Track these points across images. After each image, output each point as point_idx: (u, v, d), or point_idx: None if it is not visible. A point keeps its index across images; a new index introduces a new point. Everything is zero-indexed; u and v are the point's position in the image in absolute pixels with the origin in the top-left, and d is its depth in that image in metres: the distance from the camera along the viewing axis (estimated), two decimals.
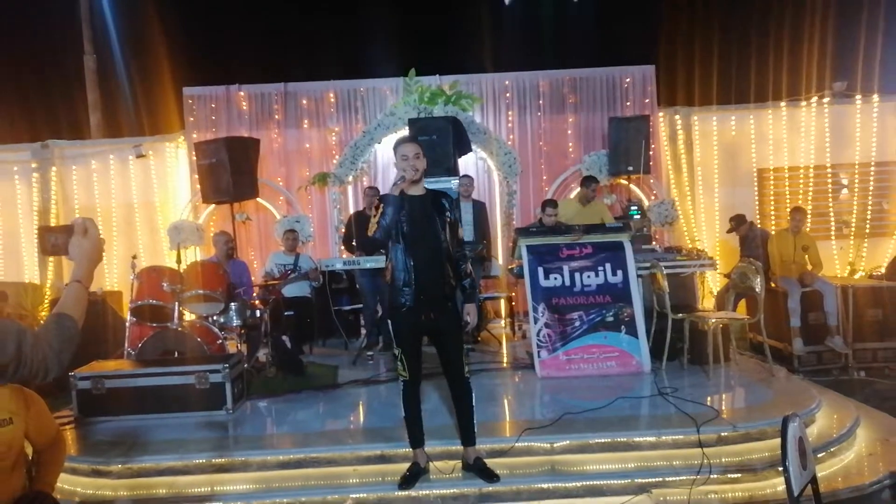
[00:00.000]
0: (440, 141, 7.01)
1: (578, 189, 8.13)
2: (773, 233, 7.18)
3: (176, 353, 5.18)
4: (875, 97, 8.51)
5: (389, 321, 3.67)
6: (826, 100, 8.55)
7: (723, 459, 3.77)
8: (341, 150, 8.15)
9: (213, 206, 8.09)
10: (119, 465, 3.90)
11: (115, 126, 9.06)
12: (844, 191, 8.61)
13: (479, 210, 6.81)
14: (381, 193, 3.55)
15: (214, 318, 5.53)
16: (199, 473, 3.86)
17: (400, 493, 3.62)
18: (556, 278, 5.54)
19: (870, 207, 8.55)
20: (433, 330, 3.59)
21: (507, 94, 8.44)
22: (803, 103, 8.58)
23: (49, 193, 8.27)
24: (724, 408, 4.34)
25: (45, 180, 8.28)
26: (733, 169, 8.60)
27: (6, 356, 1.76)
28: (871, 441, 4.34)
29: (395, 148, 3.53)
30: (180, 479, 3.85)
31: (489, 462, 3.71)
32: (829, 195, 8.58)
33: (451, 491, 3.63)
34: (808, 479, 2.40)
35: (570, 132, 8.47)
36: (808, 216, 7.19)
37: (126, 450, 4.04)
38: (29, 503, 2.59)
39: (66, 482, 3.86)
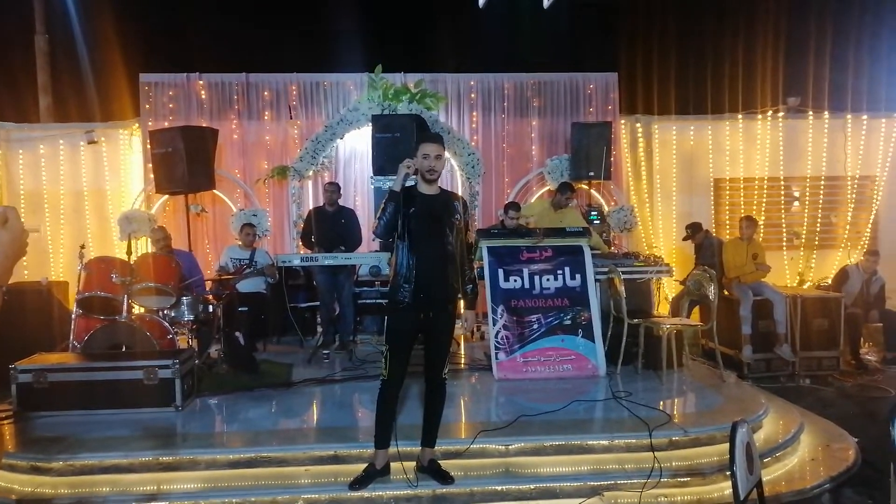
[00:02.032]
0: (403, 139, 6.95)
1: (547, 190, 8.21)
2: (726, 241, 7.35)
3: (124, 348, 5.02)
4: (826, 114, 8.82)
5: (386, 317, 3.62)
6: (781, 114, 8.82)
7: (673, 463, 3.84)
8: (302, 144, 8.02)
9: (167, 196, 7.86)
10: (60, 462, 3.76)
11: (66, 110, 8.70)
12: (796, 203, 8.90)
13: None
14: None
15: (165, 312, 5.37)
16: (145, 472, 3.75)
17: (353, 494, 3.57)
18: (515, 280, 5.56)
19: (819, 220, 8.86)
20: (427, 329, 3.53)
21: (472, 95, 8.45)
22: (759, 116, 8.84)
23: None
24: (675, 412, 4.42)
25: None
26: (691, 178, 8.79)
27: None
28: (813, 447, 4.48)
29: (418, 144, 3.48)
30: (125, 477, 3.72)
31: (444, 464, 3.70)
32: (782, 207, 8.86)
33: (405, 492, 3.60)
34: (754, 483, 2.46)
35: (533, 135, 8.53)
36: (761, 227, 7.39)
37: (68, 446, 3.89)
38: None
39: (3, 479, 3.72)
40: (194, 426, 4.33)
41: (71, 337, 5.28)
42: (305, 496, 3.59)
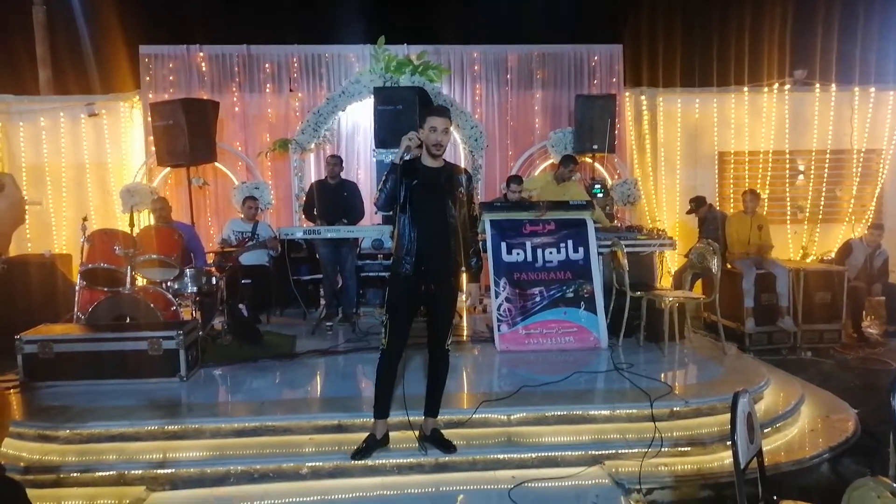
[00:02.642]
0: (405, 111, 6.90)
1: (550, 163, 8.17)
2: (730, 214, 7.32)
3: (128, 319, 5.04)
4: (833, 87, 8.72)
5: (387, 287, 3.62)
6: (787, 87, 8.72)
7: (674, 433, 3.86)
8: (304, 117, 7.97)
9: (169, 169, 7.84)
10: (67, 430, 3.81)
11: (66, 83, 8.64)
12: (801, 177, 8.84)
13: None
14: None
15: (168, 284, 5.38)
16: (151, 440, 3.79)
17: (356, 462, 3.61)
18: (518, 254, 5.55)
19: (824, 194, 8.81)
20: (429, 301, 3.54)
21: (476, 67, 8.36)
22: (765, 89, 8.73)
23: None
24: (677, 384, 4.44)
25: None
26: (695, 151, 8.73)
27: None
28: (813, 418, 4.51)
29: (425, 117, 3.44)
30: (131, 445, 3.77)
31: (446, 433, 3.73)
32: (787, 180, 8.80)
33: (408, 460, 3.64)
34: (755, 452, 2.48)
35: (536, 108, 8.46)
36: (765, 200, 7.36)
37: (75, 415, 3.93)
38: None
39: (10, 447, 3.75)
40: (199, 396, 4.37)
41: (75, 308, 5.30)
42: (309, 464, 3.63)
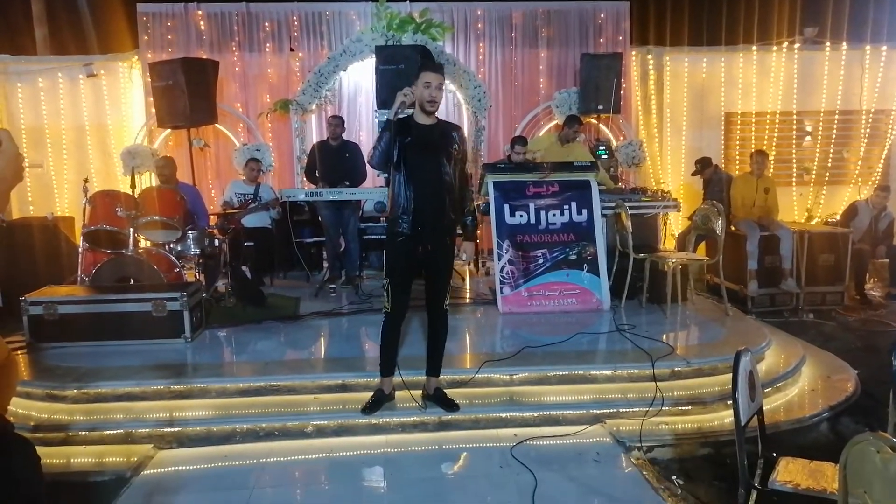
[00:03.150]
0: (407, 70, 6.76)
1: (555, 124, 8.07)
2: (735, 176, 7.26)
3: (131, 281, 5.05)
4: (844, 45, 8.53)
5: (384, 250, 3.62)
6: (797, 45, 8.53)
7: (675, 393, 3.90)
8: (304, 77, 7.85)
9: (169, 130, 7.77)
10: (75, 390, 3.85)
11: (63, 42, 8.49)
12: (808, 138, 8.73)
13: None
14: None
15: (171, 245, 5.38)
16: (157, 399, 3.84)
17: (360, 421, 3.66)
18: (521, 216, 5.52)
19: (831, 155, 8.70)
20: (427, 261, 3.53)
21: (479, 25, 8.19)
22: (774, 48, 8.56)
23: None
24: (678, 344, 4.47)
25: None
26: (702, 112, 8.60)
27: None
28: (814, 378, 4.54)
29: (419, 72, 3.39)
30: (137, 404, 3.82)
31: (449, 392, 3.77)
32: (793, 142, 8.69)
33: (412, 419, 3.69)
34: (755, 410, 2.51)
35: (541, 67, 8.31)
36: (771, 162, 7.28)
37: (81, 375, 3.98)
38: None
39: (20, 406, 3.81)
40: (204, 356, 4.41)
41: (79, 270, 5.32)
42: (314, 423, 3.68)
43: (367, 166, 6.52)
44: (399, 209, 3.43)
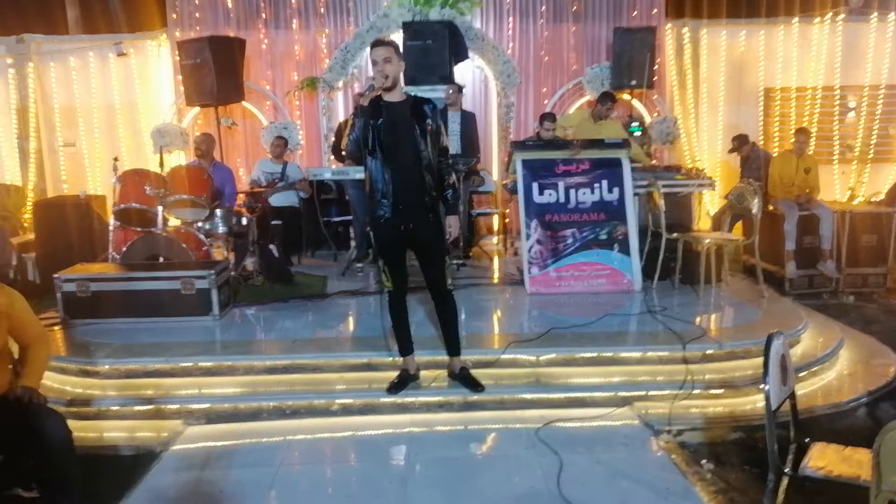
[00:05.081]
0: (436, 46, 6.69)
1: (586, 100, 7.89)
2: (775, 154, 7.02)
3: (161, 259, 5.10)
4: (892, 15, 8.14)
5: (371, 233, 3.60)
6: (841, 16, 8.17)
7: (706, 376, 3.81)
8: (331, 54, 7.79)
9: (198, 109, 7.80)
10: (107, 366, 3.92)
11: (94, 22, 8.54)
12: (851, 114, 8.37)
13: (468, 121, 6.54)
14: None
15: (200, 224, 5.41)
16: (186, 376, 3.89)
17: (385, 400, 3.66)
18: (550, 194, 5.42)
19: (875, 132, 8.36)
20: (413, 241, 3.50)
21: None
22: (817, 19, 8.20)
23: (27, 91, 7.91)
24: (711, 327, 4.36)
25: (22, 76, 7.91)
26: (739, 87, 8.31)
27: (7, 256, 1.72)
28: (853, 362, 4.40)
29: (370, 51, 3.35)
30: (167, 381, 3.87)
31: (475, 373, 3.74)
32: (836, 118, 8.35)
33: (437, 399, 3.67)
34: (787, 394, 2.43)
35: (572, 42, 8.09)
36: (812, 139, 7.02)
37: (113, 351, 4.05)
38: (17, 399, 2.59)
39: (55, 381, 3.90)
40: (232, 334, 4.45)
41: (110, 248, 5.39)
42: (340, 401, 3.69)
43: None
44: (379, 193, 3.38)
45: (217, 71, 6.85)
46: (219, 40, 7.11)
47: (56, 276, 4.61)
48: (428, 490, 2.94)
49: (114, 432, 3.55)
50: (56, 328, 4.50)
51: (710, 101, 8.31)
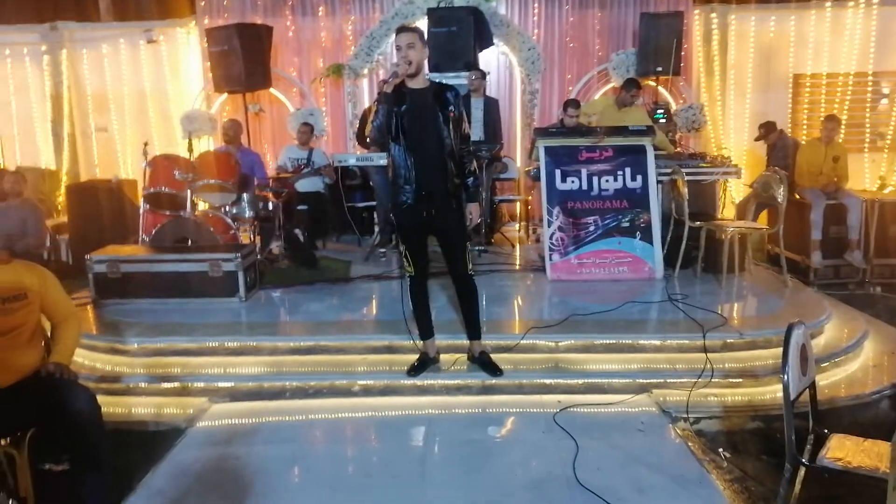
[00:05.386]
0: (460, 33, 6.68)
1: (611, 87, 7.82)
2: (803, 142, 6.89)
3: (189, 242, 5.22)
4: None
5: (393, 218, 3.63)
6: (875, 1, 7.96)
7: (726, 365, 3.80)
8: (357, 41, 7.83)
9: (226, 95, 7.91)
10: (136, 345, 4.04)
11: (125, 9, 8.70)
12: (884, 101, 8.18)
13: (491, 107, 6.54)
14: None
15: (227, 208, 5.52)
16: (212, 356, 3.99)
17: (406, 382, 3.72)
18: (573, 181, 5.41)
19: None
20: (435, 228, 3.53)
21: None
22: (850, 3, 8.00)
23: (60, 77, 8.10)
24: (732, 316, 4.33)
25: (56, 64, 8.10)
26: (768, 73, 8.16)
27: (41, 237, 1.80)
28: (877, 354, 4.35)
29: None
30: (194, 360, 3.98)
31: (494, 357, 3.78)
32: (867, 105, 8.16)
33: (456, 382, 3.73)
34: (807, 385, 2.42)
35: (598, 28, 8.02)
36: (843, 127, 6.88)
37: (142, 331, 4.17)
38: (48, 374, 2.69)
39: (86, 358, 4.03)
40: (257, 316, 4.55)
41: (140, 231, 5.53)
42: (361, 382, 3.77)
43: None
44: (402, 179, 3.41)
45: (245, 58, 6.94)
46: (246, 27, 7.19)
47: (88, 256, 4.75)
48: (445, 470, 3.00)
49: (141, 408, 3.66)
50: (87, 307, 4.64)
51: (738, 88, 8.18)
